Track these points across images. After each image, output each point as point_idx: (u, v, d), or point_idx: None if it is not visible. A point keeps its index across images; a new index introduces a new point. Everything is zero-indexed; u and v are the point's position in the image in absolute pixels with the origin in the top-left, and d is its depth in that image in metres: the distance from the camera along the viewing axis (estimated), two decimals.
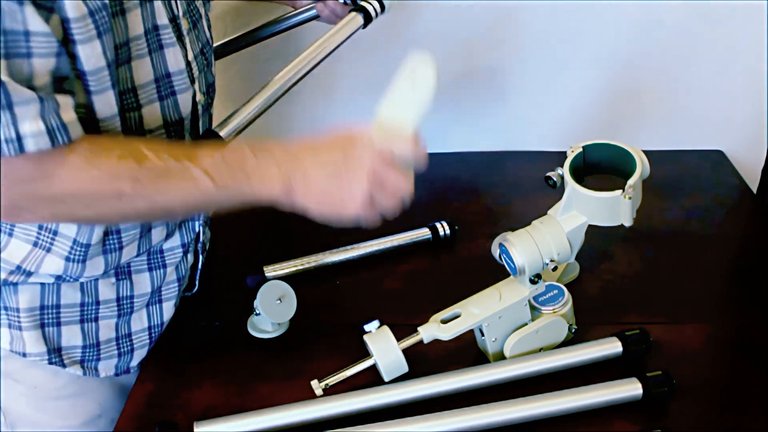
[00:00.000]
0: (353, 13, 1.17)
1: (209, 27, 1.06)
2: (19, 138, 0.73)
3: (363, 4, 1.18)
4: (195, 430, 0.91)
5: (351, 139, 0.84)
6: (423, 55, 0.90)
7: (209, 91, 1.04)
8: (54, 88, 0.77)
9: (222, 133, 1.06)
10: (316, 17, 1.24)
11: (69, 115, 0.77)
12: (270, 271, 1.17)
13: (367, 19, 1.17)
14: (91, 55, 0.79)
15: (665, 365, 0.96)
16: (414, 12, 1.36)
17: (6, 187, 0.76)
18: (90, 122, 0.83)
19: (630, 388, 0.93)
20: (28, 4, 0.72)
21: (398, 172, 0.83)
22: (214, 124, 1.12)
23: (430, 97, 0.89)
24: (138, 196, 0.80)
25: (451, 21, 1.39)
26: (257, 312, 1.05)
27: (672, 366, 0.96)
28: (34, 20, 0.72)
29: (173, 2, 0.92)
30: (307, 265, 1.18)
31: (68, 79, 0.80)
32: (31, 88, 0.74)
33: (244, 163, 0.82)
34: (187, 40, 0.95)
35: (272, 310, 1.04)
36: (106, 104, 0.84)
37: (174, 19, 0.92)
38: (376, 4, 1.18)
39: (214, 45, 1.27)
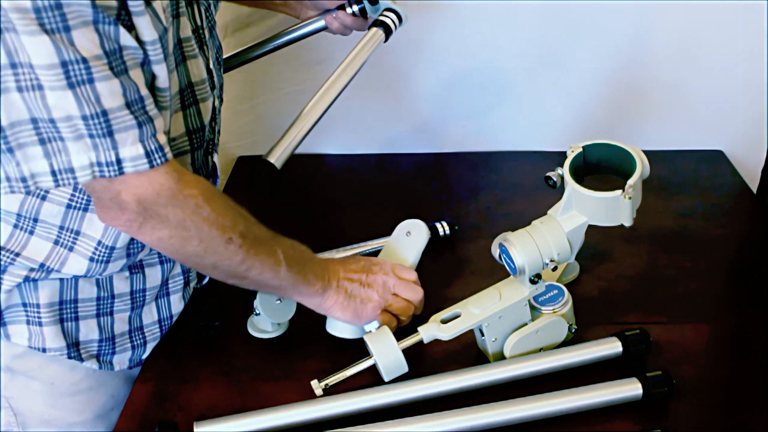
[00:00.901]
0: (374, 29, 1.17)
1: None
2: (119, 161, 0.79)
3: (381, 18, 1.18)
4: (195, 430, 0.91)
5: (370, 262, 1.04)
6: (416, 221, 1.15)
7: (221, 94, 1.06)
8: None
9: (272, 161, 1.10)
10: (324, 29, 1.24)
11: (163, 137, 0.82)
12: None
13: (388, 33, 1.18)
14: (161, 76, 0.83)
15: (665, 365, 0.96)
16: (414, 12, 1.36)
17: (138, 201, 0.82)
18: None
19: (630, 388, 0.93)
20: (118, 23, 0.76)
21: (406, 286, 1.03)
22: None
23: (420, 251, 1.14)
24: (239, 250, 0.89)
25: (451, 21, 1.39)
26: (257, 312, 1.05)
27: (672, 366, 0.96)
28: (124, 35, 0.77)
29: (196, 13, 0.93)
30: None
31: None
32: (140, 99, 0.79)
33: (303, 258, 0.98)
34: (207, 48, 0.96)
35: (272, 310, 1.04)
36: (165, 121, 0.87)
37: (196, 30, 0.93)
38: (394, 17, 1.18)
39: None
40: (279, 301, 1.04)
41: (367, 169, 1.51)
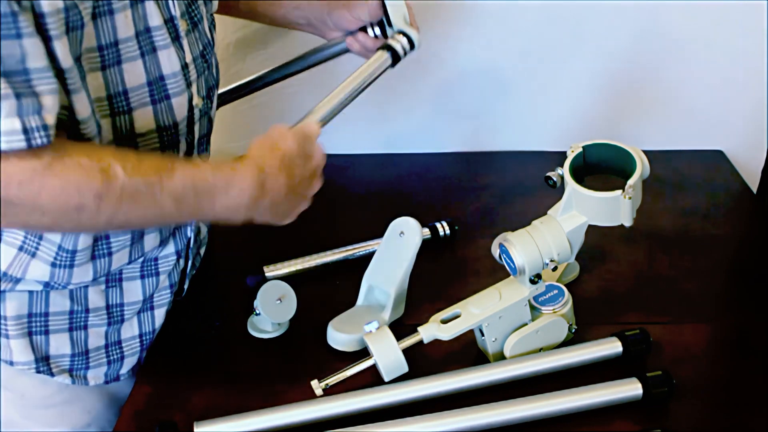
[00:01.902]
0: (380, 52, 1.12)
1: (213, 28, 1.05)
2: None
3: (390, 42, 1.12)
4: (195, 430, 0.91)
5: (311, 162, 0.94)
6: (409, 220, 1.08)
7: (210, 94, 1.02)
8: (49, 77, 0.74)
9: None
10: (346, 51, 1.20)
11: (51, 117, 0.74)
12: (270, 271, 1.17)
13: (395, 58, 1.12)
14: (64, 52, 0.77)
15: (665, 365, 0.96)
16: (413, 11, 1.36)
17: None
18: (72, 124, 0.81)
19: (630, 388, 0.93)
20: None
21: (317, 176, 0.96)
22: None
23: (415, 253, 1.07)
24: (99, 212, 0.78)
25: (452, 21, 1.39)
26: (257, 312, 1.05)
27: (672, 366, 0.96)
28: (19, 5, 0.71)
29: (170, 3, 0.90)
30: (307, 265, 1.18)
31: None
32: (26, 71, 0.72)
33: (214, 193, 0.84)
34: (185, 42, 0.93)
35: (272, 310, 1.04)
36: (83, 105, 0.81)
37: (170, 20, 0.90)
38: (405, 41, 1.12)
39: (242, 82, 1.25)
40: (279, 301, 1.05)
41: (367, 169, 1.51)
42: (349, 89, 1.08)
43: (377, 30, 1.15)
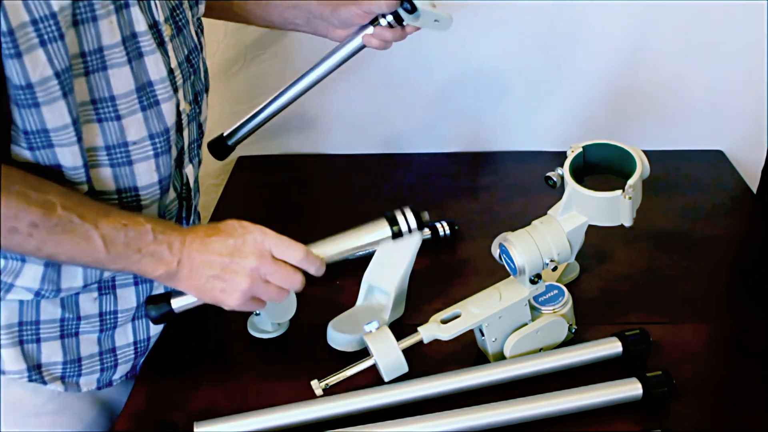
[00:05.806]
0: (382, 222, 0.98)
1: (200, 32, 1.03)
2: None
3: (396, 215, 0.98)
4: (195, 430, 0.91)
5: (243, 242, 0.89)
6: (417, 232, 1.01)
7: (197, 99, 1.01)
8: None
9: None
10: (362, 48, 1.15)
11: None
12: None
13: (396, 235, 0.98)
14: (37, 65, 0.77)
15: (665, 365, 0.96)
16: None
17: None
18: (42, 135, 0.82)
19: (630, 388, 0.93)
20: None
21: (283, 274, 0.90)
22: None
23: (414, 253, 1.06)
24: (30, 238, 0.81)
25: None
26: (257, 312, 1.05)
27: (672, 366, 0.96)
28: None
29: (154, 8, 0.89)
30: None
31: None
32: None
33: (142, 241, 0.86)
34: (170, 47, 0.92)
35: (272, 310, 1.04)
36: (57, 115, 0.81)
37: (155, 26, 0.89)
38: (412, 219, 0.98)
39: (258, 109, 1.22)
40: None
41: (367, 170, 1.51)
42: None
43: (390, 18, 1.11)
